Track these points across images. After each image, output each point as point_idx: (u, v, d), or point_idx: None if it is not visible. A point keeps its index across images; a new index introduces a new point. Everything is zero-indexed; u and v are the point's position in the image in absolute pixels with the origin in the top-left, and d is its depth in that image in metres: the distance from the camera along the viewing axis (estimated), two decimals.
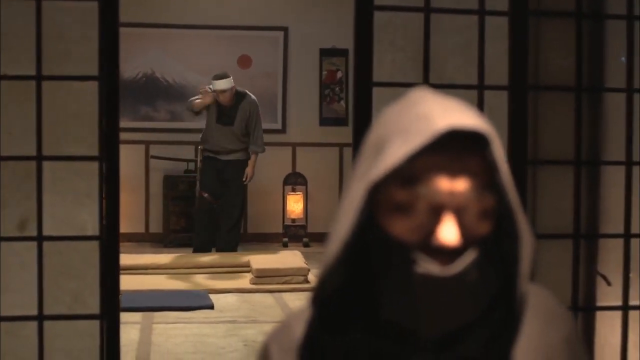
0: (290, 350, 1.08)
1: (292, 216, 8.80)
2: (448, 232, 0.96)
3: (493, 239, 1.02)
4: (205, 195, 7.81)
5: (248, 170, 7.90)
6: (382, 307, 1.01)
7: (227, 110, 7.78)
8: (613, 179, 3.19)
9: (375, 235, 1.01)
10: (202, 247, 7.81)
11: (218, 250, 7.74)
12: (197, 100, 7.73)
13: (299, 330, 1.09)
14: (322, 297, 1.05)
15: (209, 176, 7.87)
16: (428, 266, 0.97)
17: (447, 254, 0.97)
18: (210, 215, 7.88)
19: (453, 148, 0.98)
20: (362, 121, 2.88)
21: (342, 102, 9.11)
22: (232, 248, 7.79)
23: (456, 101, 1.04)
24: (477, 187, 0.98)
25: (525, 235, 1.01)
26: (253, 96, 7.89)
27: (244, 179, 7.88)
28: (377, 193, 1.01)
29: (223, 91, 7.69)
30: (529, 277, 1.02)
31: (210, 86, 7.72)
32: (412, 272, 0.97)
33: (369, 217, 1.02)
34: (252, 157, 7.92)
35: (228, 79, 7.73)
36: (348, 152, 8.74)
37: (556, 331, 1.09)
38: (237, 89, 7.84)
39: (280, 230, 8.81)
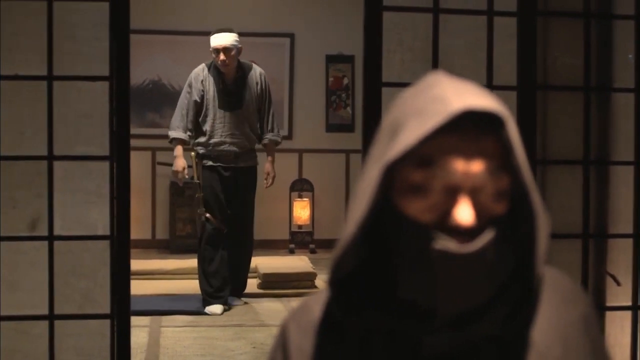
0: (309, 329, 1.09)
1: (299, 222, 8.80)
2: (463, 213, 0.97)
3: (508, 220, 1.02)
4: (209, 216, 5.78)
5: (268, 167, 6.10)
6: (399, 286, 1.02)
7: (230, 87, 5.78)
8: (622, 179, 3.19)
9: (391, 217, 1.02)
10: (219, 292, 5.86)
11: (234, 266, 6.00)
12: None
13: (317, 310, 1.10)
14: (339, 278, 1.06)
15: (215, 193, 5.81)
16: (446, 243, 0.97)
17: (463, 235, 0.98)
18: (221, 246, 5.82)
19: (468, 129, 0.99)
20: (371, 121, 2.89)
21: (349, 109, 9.11)
22: (249, 260, 6.23)
23: (471, 84, 1.05)
24: (492, 168, 0.99)
25: (540, 216, 1.01)
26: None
27: (265, 183, 6.15)
28: (393, 174, 1.01)
29: (227, 50, 5.65)
30: (545, 258, 1.02)
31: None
32: (430, 248, 0.97)
33: (385, 199, 1.02)
34: (270, 149, 6.14)
35: (233, 34, 5.73)
36: (354, 158, 8.75)
37: (573, 310, 1.10)
38: (240, 60, 5.85)
39: (286, 236, 8.81)
